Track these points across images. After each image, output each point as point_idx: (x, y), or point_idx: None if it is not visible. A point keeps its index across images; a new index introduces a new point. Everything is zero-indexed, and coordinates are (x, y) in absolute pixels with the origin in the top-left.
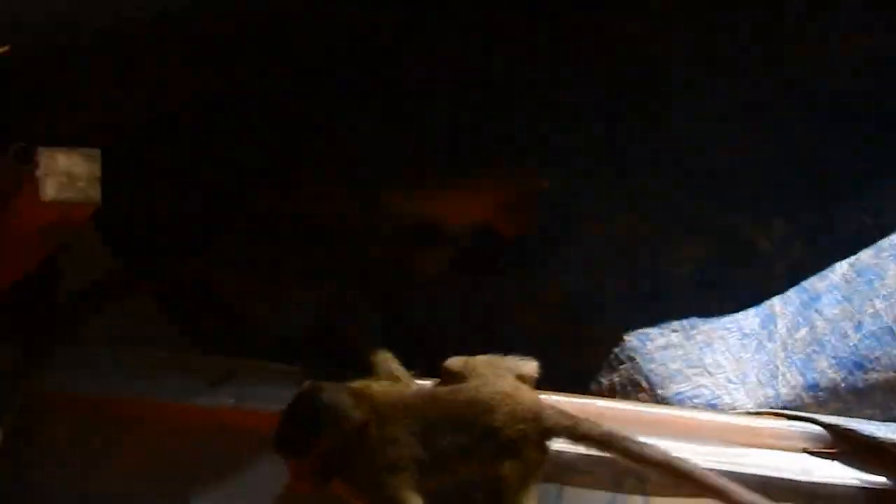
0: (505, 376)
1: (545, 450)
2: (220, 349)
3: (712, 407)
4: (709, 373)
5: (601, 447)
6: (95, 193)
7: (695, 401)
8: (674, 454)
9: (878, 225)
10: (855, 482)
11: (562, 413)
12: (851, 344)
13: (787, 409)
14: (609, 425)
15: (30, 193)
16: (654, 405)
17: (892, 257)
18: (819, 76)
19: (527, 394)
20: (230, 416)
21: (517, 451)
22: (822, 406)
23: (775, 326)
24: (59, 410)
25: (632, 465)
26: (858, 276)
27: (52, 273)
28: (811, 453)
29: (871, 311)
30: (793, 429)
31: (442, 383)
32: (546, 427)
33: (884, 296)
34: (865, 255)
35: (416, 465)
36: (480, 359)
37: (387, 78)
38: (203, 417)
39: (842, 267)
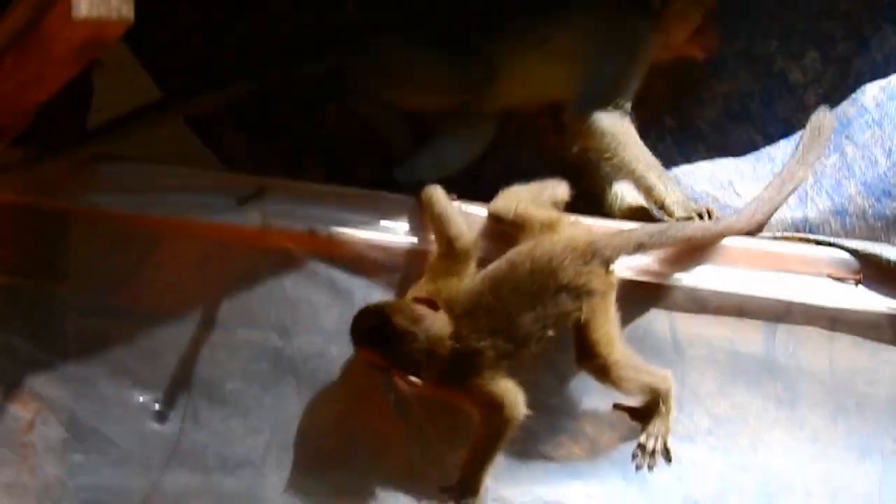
0: (548, 218)
1: (611, 274)
2: (251, 169)
3: None
4: (737, 194)
5: (655, 247)
6: (128, 11)
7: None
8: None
9: None
10: (879, 308)
11: (612, 236)
12: (881, 171)
13: (813, 235)
14: (650, 225)
15: (63, 11)
16: None
17: None
18: None
19: (580, 235)
20: (258, 234)
21: (590, 292)
22: (849, 233)
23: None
24: (88, 226)
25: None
26: (890, 99)
27: (84, 89)
28: (835, 279)
29: None
30: (818, 254)
31: (489, 227)
32: (606, 257)
33: None
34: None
35: (499, 355)
36: (521, 195)
37: None
38: (231, 235)
39: (872, 89)
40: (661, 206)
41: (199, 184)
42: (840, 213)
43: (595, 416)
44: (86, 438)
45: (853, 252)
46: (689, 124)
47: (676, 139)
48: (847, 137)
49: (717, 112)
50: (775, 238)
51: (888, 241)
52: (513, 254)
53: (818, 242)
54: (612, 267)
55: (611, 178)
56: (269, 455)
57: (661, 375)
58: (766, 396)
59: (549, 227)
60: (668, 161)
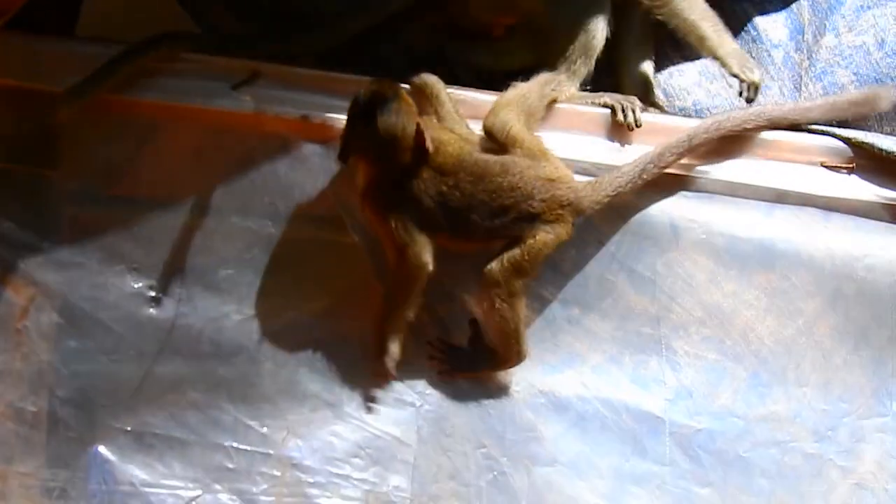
0: (538, 149)
1: (572, 226)
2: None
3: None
4: (728, 84)
5: (635, 187)
6: None
7: (712, 109)
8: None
9: None
10: (871, 197)
11: (594, 188)
12: (873, 60)
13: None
14: (627, 165)
15: None
16: (668, 115)
17: None
18: None
19: (564, 178)
20: (252, 119)
21: (550, 230)
22: (841, 123)
23: (802, 36)
24: (82, 111)
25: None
26: None
27: None
28: (828, 167)
29: (895, 29)
30: (811, 142)
31: (484, 143)
32: (581, 208)
33: None
34: None
35: (431, 223)
36: (517, 108)
37: None
38: (225, 120)
39: None
40: (715, 57)
41: (193, 67)
42: None
43: (587, 306)
44: (79, 324)
45: (846, 140)
46: None
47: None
48: (843, 17)
49: None
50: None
51: (881, 130)
52: (509, 161)
53: (811, 130)
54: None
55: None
56: (262, 342)
57: None
58: (760, 285)
59: (539, 156)
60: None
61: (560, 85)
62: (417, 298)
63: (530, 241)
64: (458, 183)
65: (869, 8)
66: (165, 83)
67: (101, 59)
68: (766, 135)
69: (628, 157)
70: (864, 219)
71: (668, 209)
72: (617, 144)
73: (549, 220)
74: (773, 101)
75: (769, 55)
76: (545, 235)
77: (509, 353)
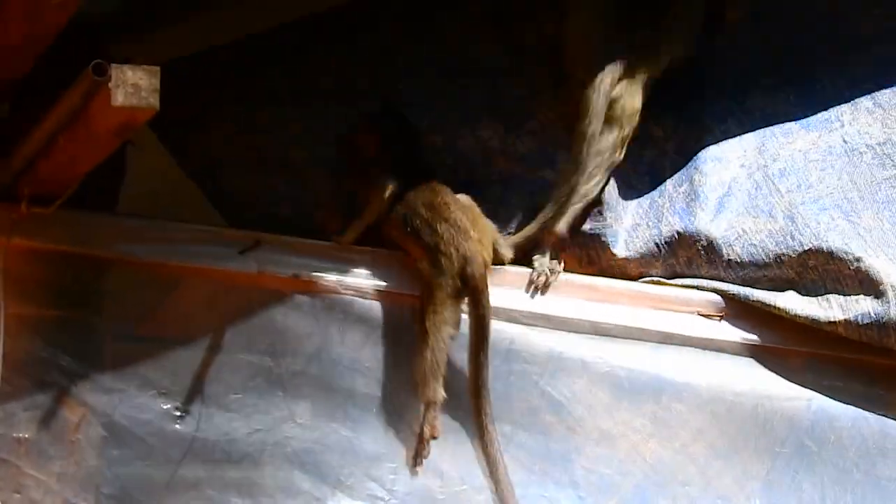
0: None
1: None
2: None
3: (611, 243)
4: (615, 217)
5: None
6: (155, 101)
7: (600, 238)
8: None
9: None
10: (737, 338)
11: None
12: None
13: (665, 244)
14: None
15: (103, 100)
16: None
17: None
18: None
19: (474, 242)
20: (254, 277)
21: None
22: (693, 243)
23: (664, 187)
24: (120, 270)
25: None
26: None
27: (118, 164)
28: (704, 315)
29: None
30: (690, 295)
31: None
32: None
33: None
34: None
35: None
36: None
37: None
38: (233, 278)
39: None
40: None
41: (207, 237)
42: (688, 228)
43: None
44: (120, 437)
45: (719, 293)
46: None
47: None
48: (696, 169)
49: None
50: (654, 282)
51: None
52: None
53: (692, 287)
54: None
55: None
56: (264, 450)
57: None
58: (647, 413)
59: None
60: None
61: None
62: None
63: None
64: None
65: (717, 159)
66: (186, 249)
67: (133, 228)
68: (652, 290)
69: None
70: (732, 355)
71: (579, 345)
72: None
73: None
74: (640, 230)
75: (638, 203)
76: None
77: (419, 389)
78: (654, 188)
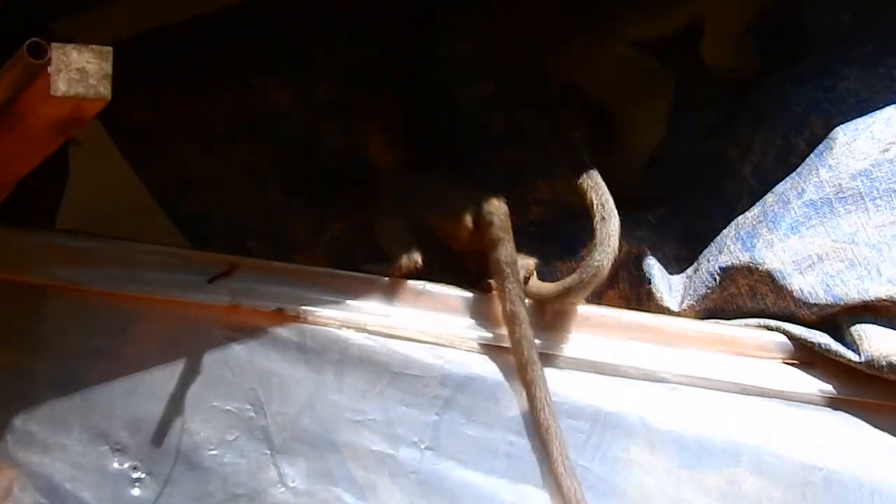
0: None
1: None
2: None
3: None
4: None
5: None
6: (106, 90)
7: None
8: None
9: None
10: (830, 391)
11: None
12: (791, 209)
13: (720, 271)
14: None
15: (42, 88)
16: (641, 312)
17: (841, 127)
18: None
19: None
20: (228, 311)
21: None
22: (757, 265)
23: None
24: (62, 301)
25: None
26: (809, 147)
27: (59, 167)
28: (788, 363)
29: (815, 179)
30: (770, 337)
31: None
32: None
33: (829, 165)
34: (817, 126)
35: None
36: None
37: None
38: (202, 312)
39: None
40: None
41: (170, 261)
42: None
43: None
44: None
45: (795, 338)
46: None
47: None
48: (770, 191)
49: None
50: (732, 325)
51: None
52: None
53: (768, 328)
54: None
55: None
56: None
57: None
58: (725, 477)
59: None
60: None
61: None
62: None
63: None
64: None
65: (796, 173)
66: (144, 275)
67: (81, 251)
68: (726, 330)
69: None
70: (825, 410)
71: (635, 397)
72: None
73: None
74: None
75: (694, 234)
76: None
77: None
78: (726, 221)
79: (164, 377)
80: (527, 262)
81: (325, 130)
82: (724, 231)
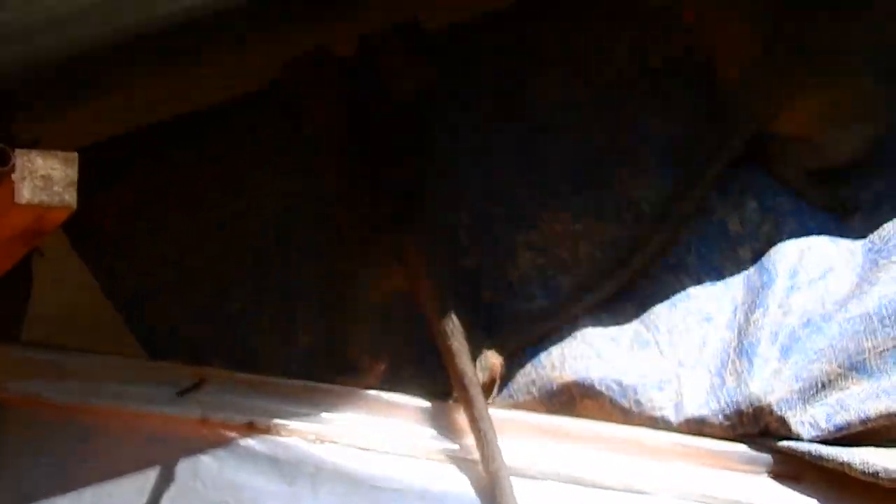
0: None
1: None
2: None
3: (659, 389)
4: (661, 353)
5: None
6: (71, 198)
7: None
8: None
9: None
10: None
11: None
12: (795, 328)
13: (731, 397)
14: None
15: (5, 195)
16: (619, 424)
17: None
18: None
19: None
20: (198, 424)
21: None
22: (768, 393)
23: (734, 314)
24: (22, 415)
25: None
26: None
27: (23, 278)
28: (776, 477)
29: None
30: (757, 453)
31: None
32: None
33: (836, 299)
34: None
35: None
36: None
37: None
38: (171, 426)
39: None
40: None
41: (137, 373)
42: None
43: None
44: None
45: (790, 451)
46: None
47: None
48: (773, 294)
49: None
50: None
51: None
52: None
53: (754, 436)
54: None
55: None
56: None
57: None
58: None
59: None
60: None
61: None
62: None
63: None
64: None
65: (798, 289)
66: (110, 387)
67: (42, 362)
68: (712, 444)
69: None
70: None
71: None
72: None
73: None
74: (700, 375)
75: (701, 334)
76: None
77: None
78: (719, 312)
79: (134, 491)
80: (492, 364)
81: (293, 237)
82: (725, 332)
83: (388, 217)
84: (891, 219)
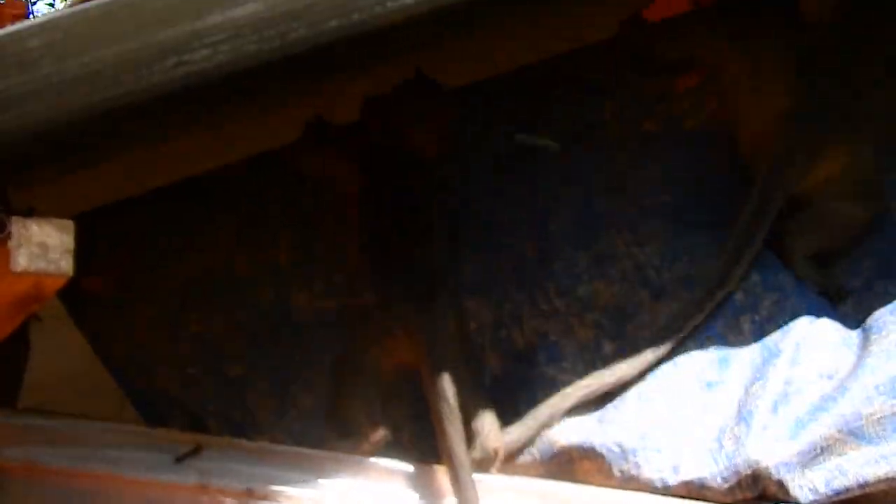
0: None
1: None
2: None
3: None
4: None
5: None
6: (68, 265)
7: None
8: None
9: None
10: None
11: None
12: (793, 398)
13: (730, 460)
14: None
15: (1, 263)
16: (617, 489)
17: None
18: None
19: None
20: (196, 491)
21: None
22: (767, 457)
23: (734, 383)
24: (20, 482)
25: None
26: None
27: (21, 346)
28: None
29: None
30: None
31: None
32: None
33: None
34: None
35: None
36: None
37: None
38: (168, 492)
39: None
40: None
41: (134, 439)
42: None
43: None
44: None
45: None
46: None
47: None
48: (773, 367)
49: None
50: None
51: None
52: None
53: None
54: None
55: None
56: None
57: None
58: None
59: None
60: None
61: None
62: None
63: None
64: None
65: (798, 363)
66: (106, 454)
67: (40, 429)
68: None
69: None
70: None
71: None
72: None
73: None
74: (698, 442)
75: (703, 402)
76: None
77: None
78: (720, 378)
79: None
80: (492, 445)
81: (296, 303)
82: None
83: (398, 289)
84: (881, 304)
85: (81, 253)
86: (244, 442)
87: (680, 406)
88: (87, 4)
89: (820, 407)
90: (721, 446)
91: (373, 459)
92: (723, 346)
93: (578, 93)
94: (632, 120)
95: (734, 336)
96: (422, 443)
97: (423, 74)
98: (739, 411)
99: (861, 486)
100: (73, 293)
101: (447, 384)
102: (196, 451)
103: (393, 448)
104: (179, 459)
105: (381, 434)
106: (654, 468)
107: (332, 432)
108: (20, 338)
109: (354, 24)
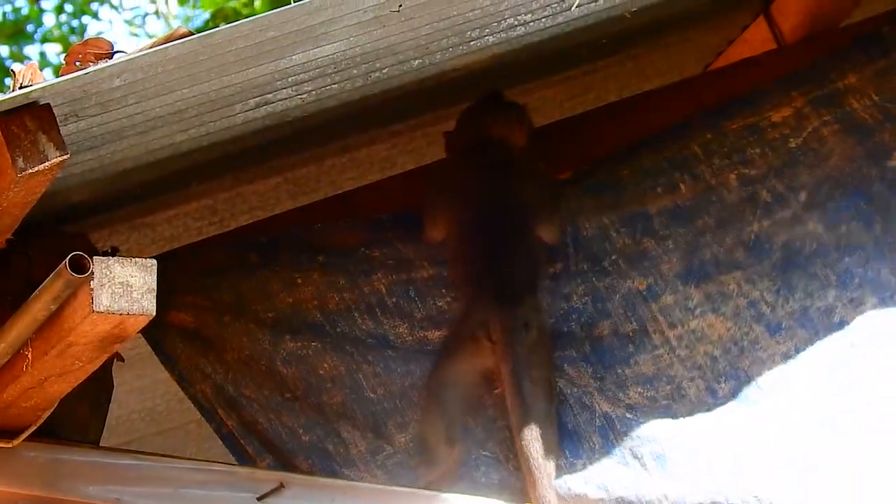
0: None
1: None
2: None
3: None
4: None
5: None
6: (150, 304)
7: None
8: None
9: None
10: None
11: None
12: None
13: None
14: None
15: (83, 303)
16: None
17: None
18: None
19: None
20: None
21: None
22: None
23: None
24: None
25: None
26: None
27: (104, 383)
28: None
29: None
30: None
31: None
32: None
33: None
34: None
35: None
36: None
37: None
38: None
39: None
40: None
41: (217, 478)
42: None
43: None
44: None
45: None
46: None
47: None
48: None
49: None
50: None
51: None
52: None
53: None
54: None
55: None
56: None
57: None
58: None
59: None
60: None
61: None
62: None
63: None
64: None
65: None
66: (190, 492)
67: (128, 469)
68: None
69: None
70: None
71: None
72: None
73: None
74: None
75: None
76: None
77: None
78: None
79: None
80: None
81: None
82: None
83: (485, 291)
84: None
85: (167, 289)
86: (327, 479)
87: None
88: (169, 44)
89: None
90: None
91: (448, 495)
92: None
93: None
94: None
95: None
96: (492, 479)
97: (500, 92)
98: None
99: None
100: (158, 331)
101: (533, 423)
102: (278, 489)
103: (467, 482)
104: (262, 498)
105: (452, 459)
106: None
107: (416, 458)
108: (103, 376)
109: (436, 64)
